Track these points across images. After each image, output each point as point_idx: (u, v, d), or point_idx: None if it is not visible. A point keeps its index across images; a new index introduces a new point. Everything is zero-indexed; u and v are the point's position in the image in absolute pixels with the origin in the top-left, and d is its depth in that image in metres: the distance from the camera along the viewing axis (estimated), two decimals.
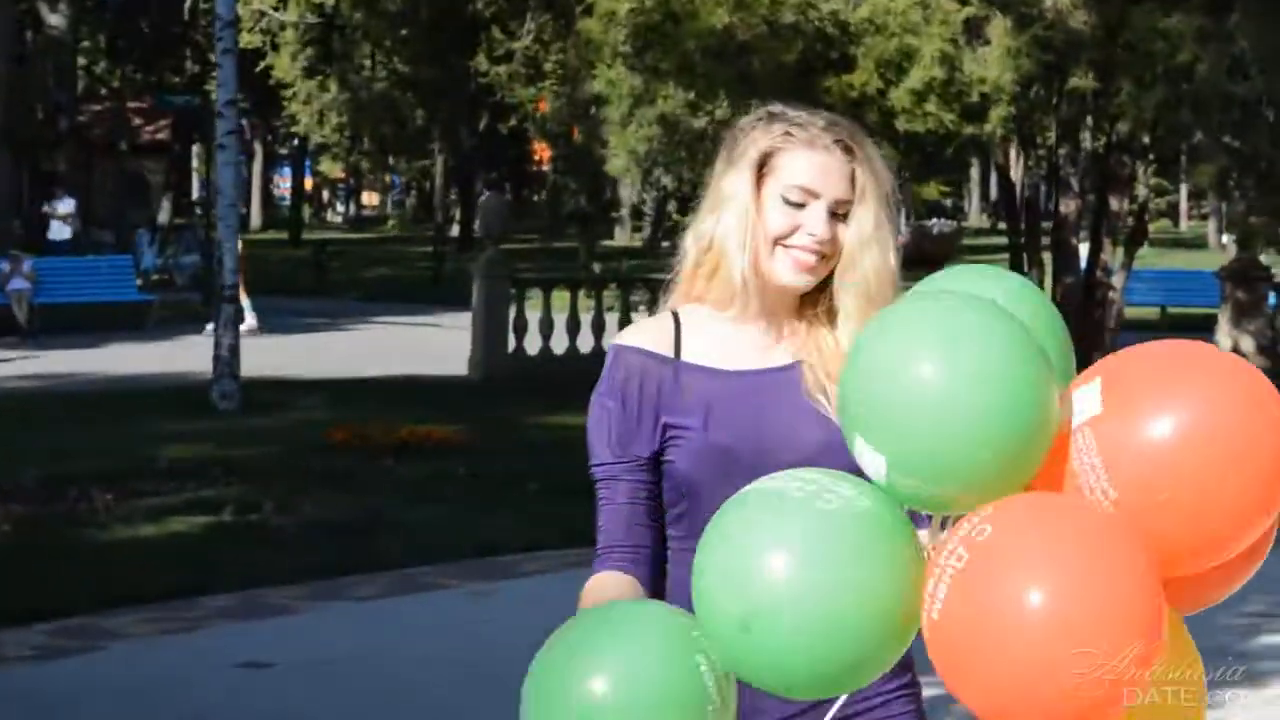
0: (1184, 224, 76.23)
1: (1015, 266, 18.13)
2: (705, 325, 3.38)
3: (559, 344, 23.12)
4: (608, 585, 3.27)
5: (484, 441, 17.38)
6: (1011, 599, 2.43)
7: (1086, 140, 17.25)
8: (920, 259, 39.04)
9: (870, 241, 3.31)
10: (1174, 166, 17.97)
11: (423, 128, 44.30)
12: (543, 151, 52.66)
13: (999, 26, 14.98)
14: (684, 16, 14.78)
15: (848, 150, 3.31)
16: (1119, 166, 16.90)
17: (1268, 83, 14.26)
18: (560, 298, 24.14)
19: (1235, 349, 23.90)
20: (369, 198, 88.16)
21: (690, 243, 3.43)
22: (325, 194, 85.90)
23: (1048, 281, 17.45)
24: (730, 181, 3.35)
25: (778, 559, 2.62)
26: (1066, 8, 14.85)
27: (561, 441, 17.87)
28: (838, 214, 3.30)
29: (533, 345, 23.02)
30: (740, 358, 3.38)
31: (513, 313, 22.82)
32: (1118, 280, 17.21)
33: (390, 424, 17.28)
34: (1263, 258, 23.97)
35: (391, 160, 59.89)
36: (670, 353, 3.36)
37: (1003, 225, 19.65)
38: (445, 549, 12.45)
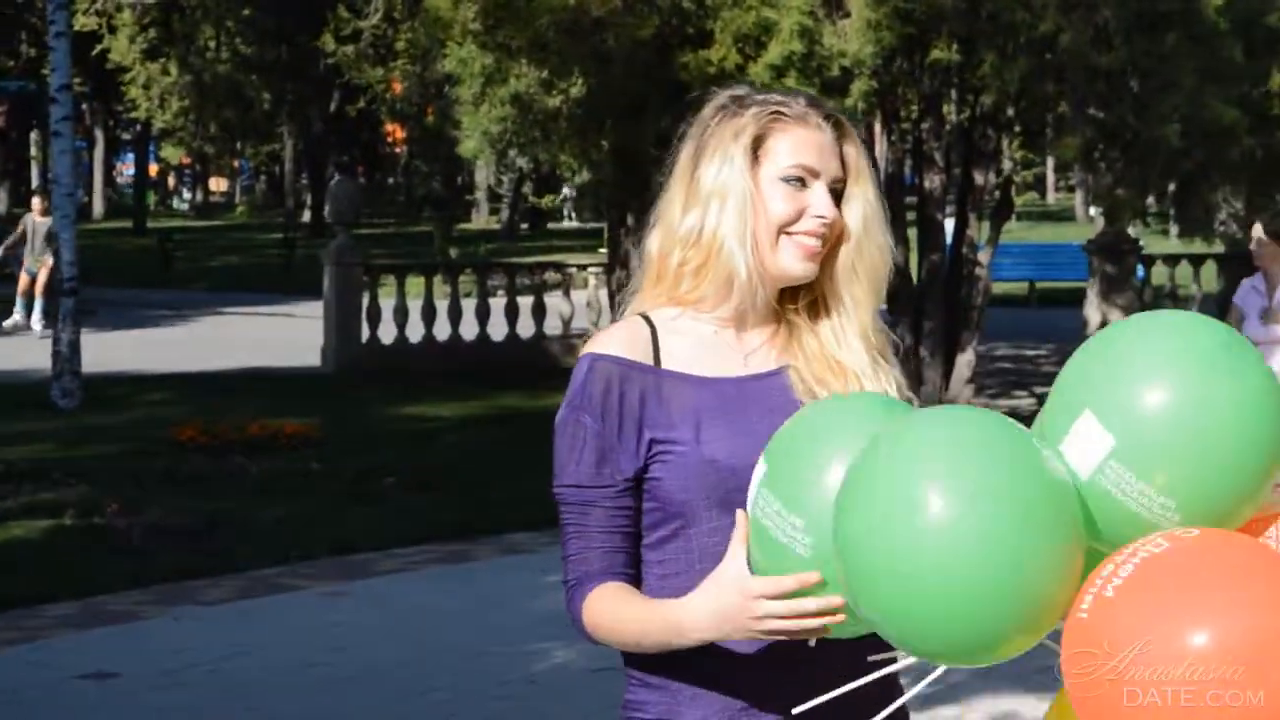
0: (1051, 197, 76.97)
1: None
2: (681, 329, 3.22)
3: (415, 332, 22.95)
4: (623, 594, 3.12)
5: (338, 435, 17.22)
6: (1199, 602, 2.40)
7: (951, 114, 17.28)
8: None
9: (874, 221, 3.21)
10: (1040, 139, 18.00)
11: (270, 111, 43.93)
12: (396, 133, 52.40)
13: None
14: None
15: (837, 125, 3.22)
16: (983, 140, 16.93)
17: (1131, 53, 14.30)
18: (415, 284, 23.96)
19: (1104, 323, 24.12)
20: (216, 184, 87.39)
21: (659, 245, 3.24)
22: (170, 180, 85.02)
23: (913, 258, 17.46)
24: (714, 172, 3.15)
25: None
26: None
27: (418, 434, 17.76)
28: (832, 193, 3.17)
29: (387, 334, 22.84)
30: (724, 363, 3.21)
31: (366, 301, 22.64)
32: (984, 256, 17.25)
33: (240, 419, 17.11)
34: (1131, 230, 24.19)
35: (239, 145, 59.30)
36: (650, 360, 3.17)
37: None
38: (298, 548, 12.29)
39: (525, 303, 23.87)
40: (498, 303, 23.93)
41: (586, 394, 3.14)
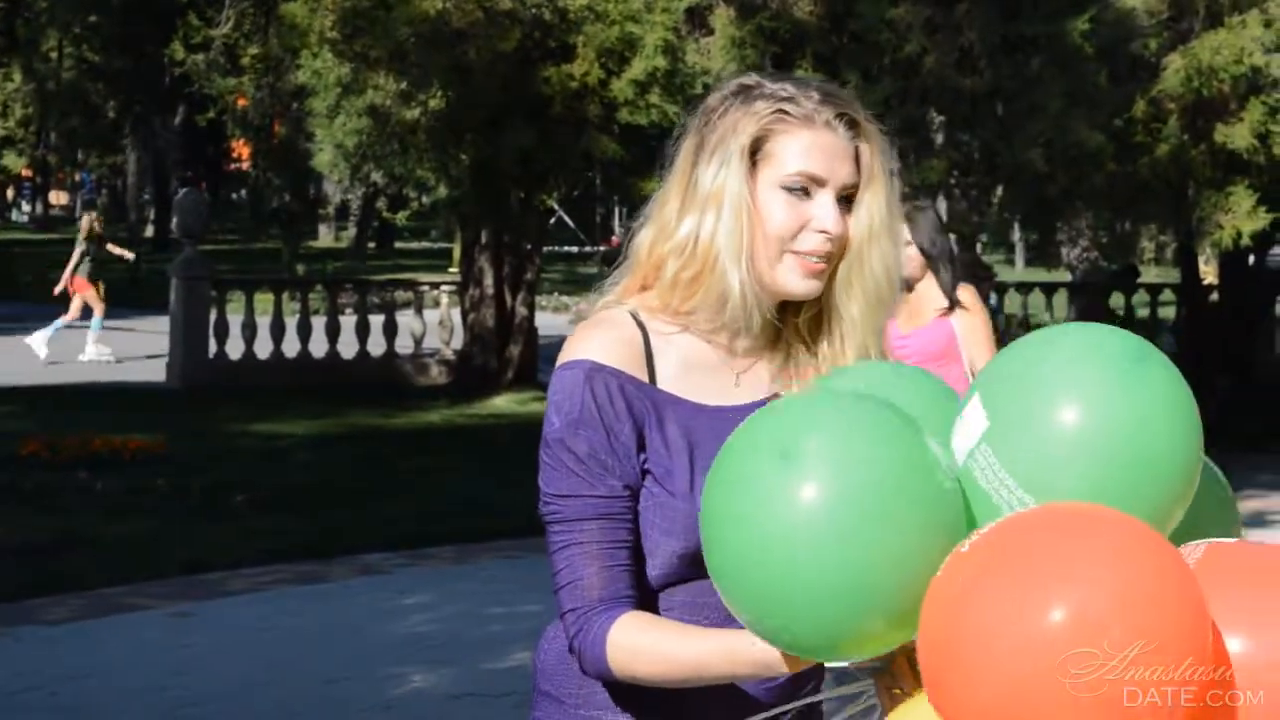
0: None
1: None
2: (675, 341, 2.93)
3: (263, 349, 22.63)
4: (658, 625, 2.80)
5: (184, 452, 16.89)
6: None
7: None
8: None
9: (880, 233, 2.87)
10: (904, 161, 17.94)
11: (115, 121, 43.25)
12: (241, 149, 51.83)
13: (723, 16, 14.82)
14: (396, 1, 14.40)
15: (852, 124, 2.86)
16: None
17: (997, 76, 14.29)
18: (263, 300, 23.66)
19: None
20: (57, 197, 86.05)
21: (650, 246, 2.94)
22: (10, 192, 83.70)
23: None
24: (711, 175, 2.84)
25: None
26: None
27: (268, 451, 17.45)
28: (841, 200, 2.85)
29: (235, 350, 22.49)
30: (716, 385, 2.94)
31: (214, 316, 22.27)
32: None
33: (84, 435, 16.75)
34: (989, 257, 24.28)
35: (81, 156, 58.39)
36: (644, 374, 2.88)
37: None
38: (144, 567, 11.97)
39: (376, 320, 23.59)
40: (348, 320, 23.66)
41: (584, 405, 2.82)
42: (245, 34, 19.19)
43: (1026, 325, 25.33)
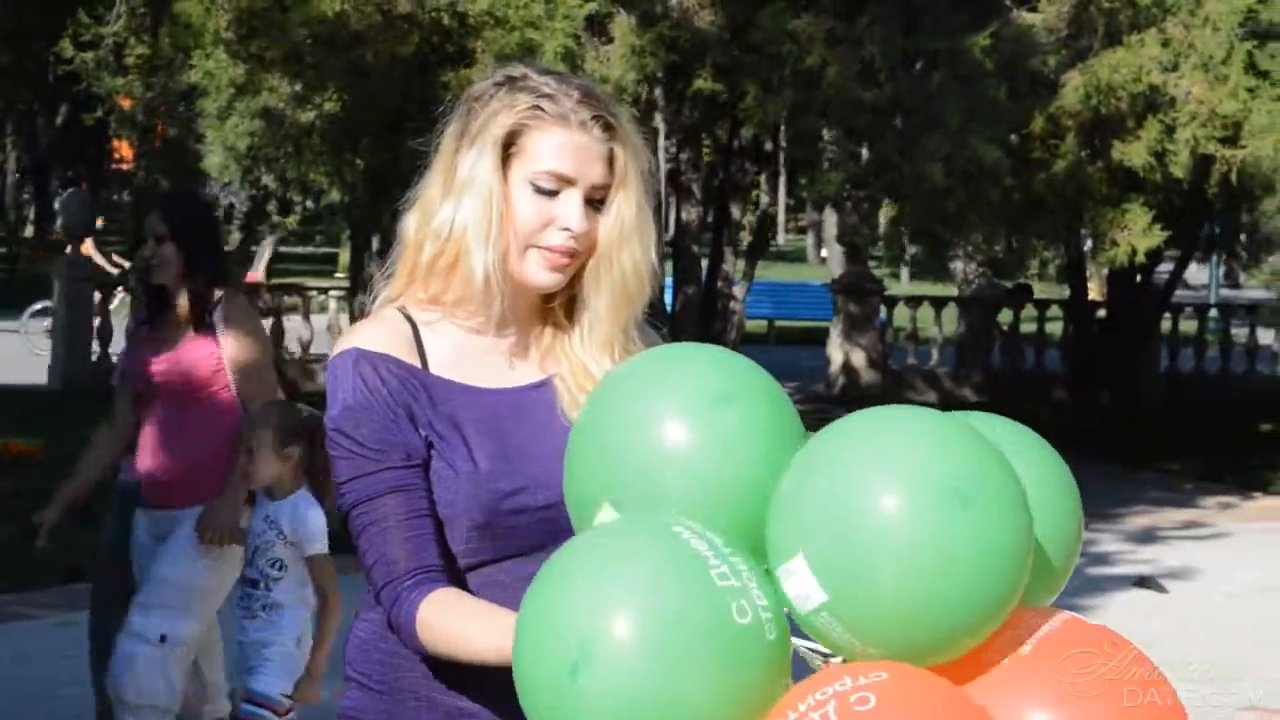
0: (781, 238, 77.69)
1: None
2: (441, 329, 2.98)
3: None
4: (460, 604, 2.78)
5: (66, 456, 16.53)
6: None
7: (709, 146, 17.15)
8: None
9: (630, 234, 2.97)
10: (808, 173, 17.86)
11: None
12: (124, 149, 51.20)
13: (623, 24, 14.73)
14: (293, 2, 14.20)
15: (607, 127, 2.95)
16: (740, 174, 16.79)
17: (897, 89, 14.26)
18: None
19: (847, 363, 24.21)
20: None
21: (416, 229, 3.00)
22: None
23: (668, 294, 17.30)
24: (469, 164, 2.93)
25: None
26: (693, 6, 14.69)
27: None
28: (593, 201, 2.94)
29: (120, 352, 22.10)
30: (490, 372, 3.00)
31: (97, 318, 21.89)
32: (739, 291, 17.13)
33: None
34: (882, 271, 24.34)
35: None
36: (417, 362, 2.93)
37: None
38: (25, 574, 11.69)
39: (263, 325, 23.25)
40: None
41: (355, 389, 2.87)
42: (135, 32, 18.83)
43: (915, 339, 25.39)
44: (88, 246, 26.65)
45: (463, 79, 14.39)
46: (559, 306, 3.04)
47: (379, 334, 2.93)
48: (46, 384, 21.80)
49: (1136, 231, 15.20)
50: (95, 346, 21.93)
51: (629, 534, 2.36)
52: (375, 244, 21.76)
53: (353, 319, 22.88)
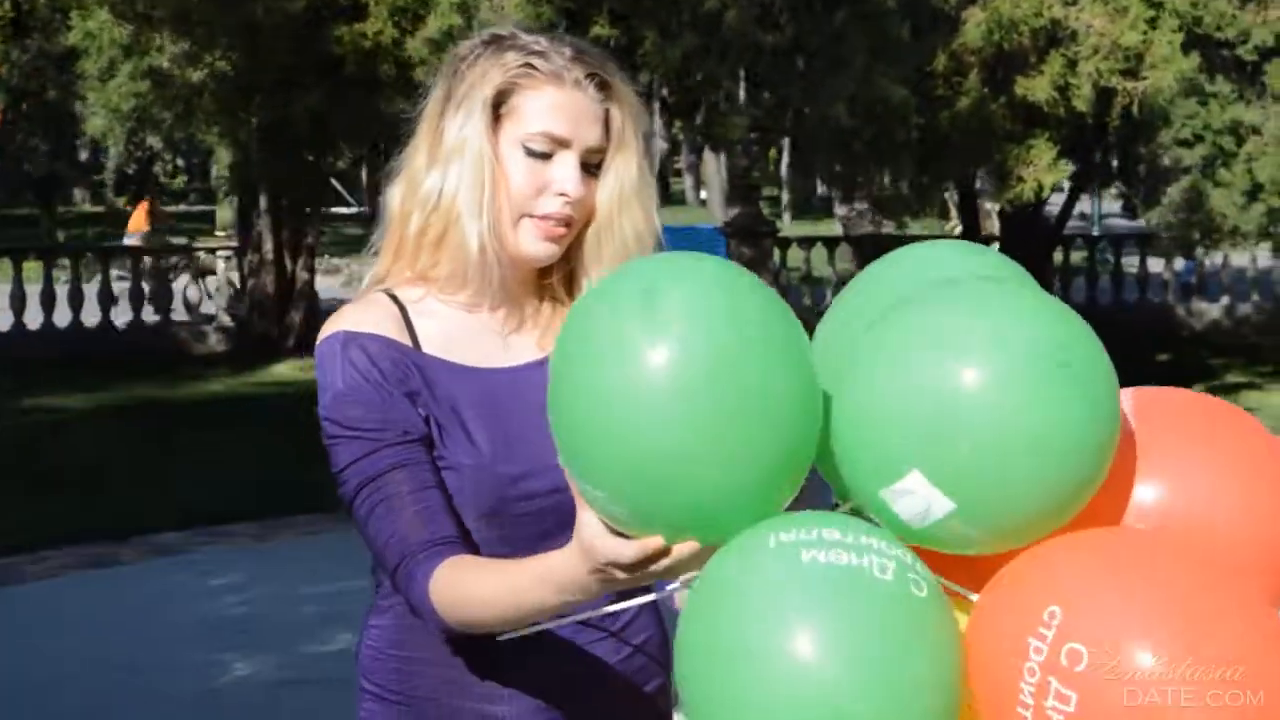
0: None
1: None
2: (430, 309, 2.78)
3: (33, 319, 21.84)
4: (475, 565, 2.58)
5: None
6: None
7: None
8: None
9: (630, 199, 2.79)
10: (708, 116, 17.58)
11: None
12: None
13: None
14: None
15: (603, 86, 2.75)
16: None
17: (800, 31, 14.09)
18: (32, 269, 22.82)
19: None
20: None
21: (401, 200, 2.79)
22: None
23: None
24: (457, 127, 2.73)
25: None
26: None
27: (43, 427, 16.75)
28: (588, 166, 2.74)
29: (3, 321, 21.69)
30: (484, 351, 2.80)
31: None
32: None
33: None
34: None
35: None
36: (408, 342, 2.73)
37: None
38: None
39: (151, 287, 22.83)
40: (122, 288, 22.86)
41: (351, 374, 2.67)
42: None
43: (809, 279, 25.33)
44: None
45: (355, 33, 14.13)
46: (557, 281, 2.86)
47: (365, 315, 2.74)
48: None
49: (1042, 167, 15.15)
50: None
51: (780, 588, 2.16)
52: (263, 202, 21.43)
53: (243, 280, 22.55)
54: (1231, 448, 2.41)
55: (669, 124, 16.95)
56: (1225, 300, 25.52)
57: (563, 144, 2.71)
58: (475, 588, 2.51)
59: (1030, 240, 22.56)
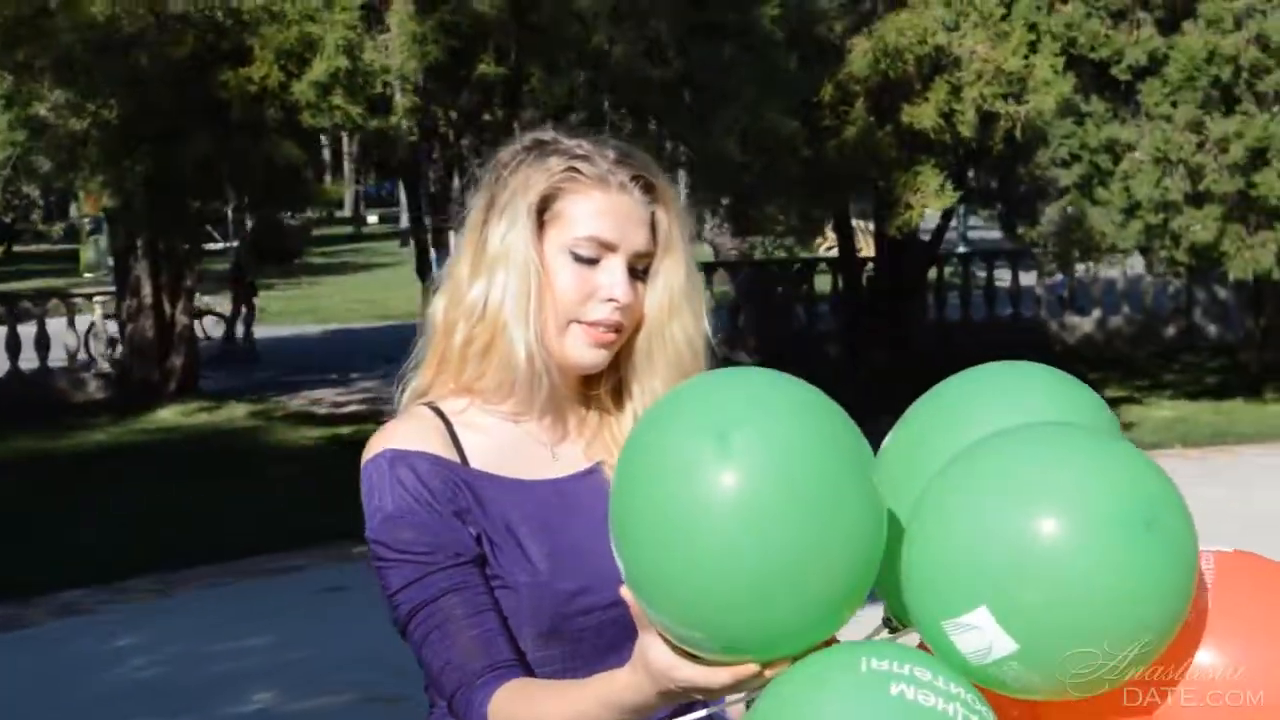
0: None
1: (421, 261, 17.70)
2: (475, 422, 2.69)
3: None
4: (534, 688, 2.49)
5: None
6: None
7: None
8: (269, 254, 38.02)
9: (681, 303, 2.70)
10: None
11: None
12: None
13: (400, 11, 14.35)
14: (59, 6, 13.61)
15: (648, 189, 2.68)
16: None
17: (688, 64, 14.07)
18: None
19: None
20: None
21: (444, 313, 2.72)
22: None
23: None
24: (500, 234, 2.64)
25: None
26: None
27: None
28: (635, 271, 2.67)
29: None
30: (532, 462, 2.71)
31: None
32: None
33: None
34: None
35: None
36: (455, 458, 2.64)
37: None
38: None
39: (27, 334, 22.39)
40: None
41: (400, 495, 2.59)
42: None
43: None
44: None
45: (241, 78, 13.96)
46: (607, 392, 2.79)
47: (412, 431, 2.65)
48: None
49: (929, 193, 15.21)
50: None
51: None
52: (140, 247, 21.14)
53: (120, 325, 22.23)
54: None
55: None
56: (1097, 314, 25.75)
57: (610, 248, 2.65)
58: (534, 713, 2.45)
59: (905, 259, 22.69)
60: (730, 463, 2.07)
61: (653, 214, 2.69)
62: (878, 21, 14.86)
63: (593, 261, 2.65)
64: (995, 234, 30.84)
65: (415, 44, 14.16)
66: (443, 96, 15.18)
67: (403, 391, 2.79)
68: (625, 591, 2.21)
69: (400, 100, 14.55)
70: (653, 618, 2.19)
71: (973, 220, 36.82)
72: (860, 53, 14.67)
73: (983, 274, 26.65)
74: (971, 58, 14.89)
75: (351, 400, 22.18)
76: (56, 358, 22.74)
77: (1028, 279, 26.51)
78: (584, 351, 2.68)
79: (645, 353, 2.73)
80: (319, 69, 13.94)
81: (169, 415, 20.88)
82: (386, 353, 26.69)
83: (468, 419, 2.70)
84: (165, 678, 9.89)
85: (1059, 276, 24.83)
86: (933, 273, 25.42)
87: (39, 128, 15.45)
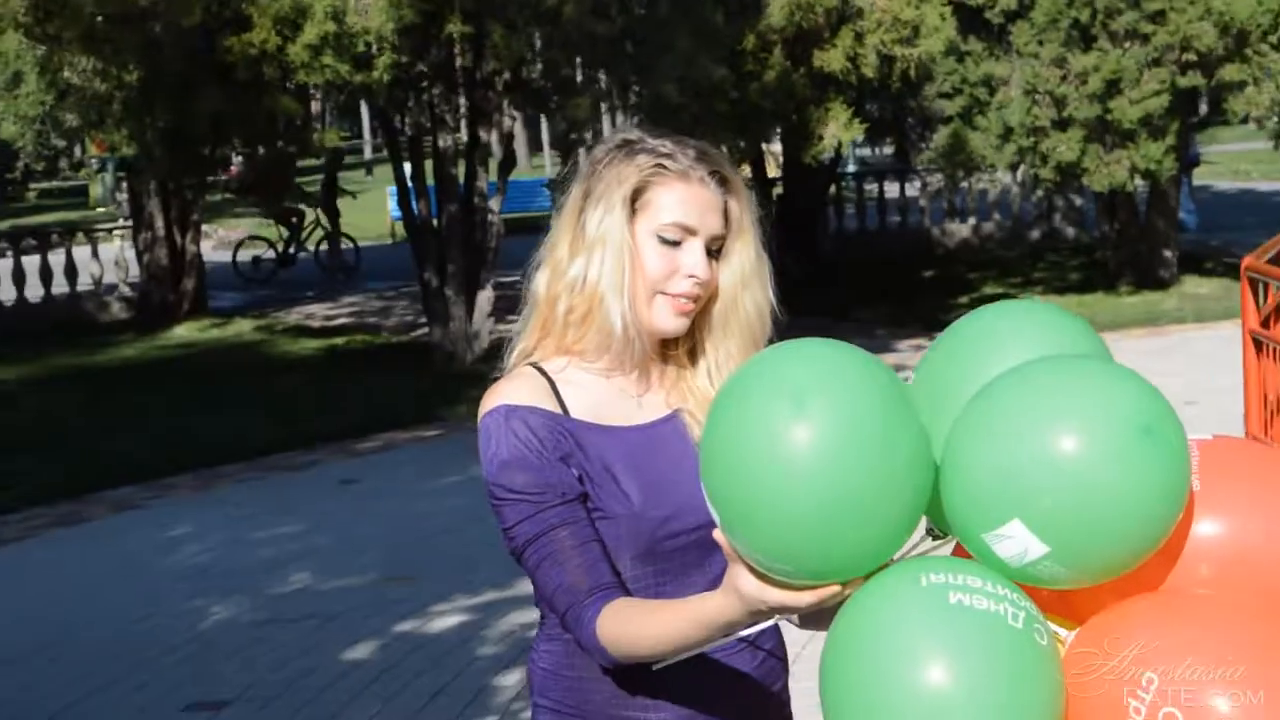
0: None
1: (402, 195, 17.58)
2: (573, 378, 2.78)
3: None
4: (634, 606, 2.60)
5: None
6: None
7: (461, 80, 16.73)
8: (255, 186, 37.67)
9: (751, 278, 2.80)
10: (550, 99, 17.29)
11: None
12: None
13: None
14: None
15: (722, 181, 2.77)
16: (485, 103, 16.40)
17: (629, 21, 14.04)
18: None
19: None
20: None
21: (545, 287, 2.80)
22: None
23: (434, 209, 16.95)
24: (598, 220, 2.73)
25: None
26: None
27: None
28: (712, 250, 2.76)
29: None
30: (622, 411, 2.79)
31: None
32: (494, 203, 16.82)
33: None
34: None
35: None
36: (558, 409, 2.73)
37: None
38: None
39: (57, 264, 22.21)
40: (30, 264, 22.15)
41: (514, 444, 2.68)
42: None
43: None
44: None
45: (244, 43, 13.85)
46: (684, 353, 2.87)
47: (521, 390, 2.73)
48: None
49: (839, 126, 15.25)
50: None
51: (935, 622, 2.20)
52: (153, 186, 20.99)
53: (138, 254, 22.08)
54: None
55: (513, 104, 16.79)
56: (972, 221, 25.87)
57: (691, 232, 2.73)
58: (635, 629, 2.54)
59: (809, 179, 22.74)
60: (802, 422, 2.17)
61: (726, 203, 2.77)
62: None
63: (676, 243, 2.73)
64: (867, 151, 30.77)
65: (392, 8, 14.07)
66: (415, 53, 15.04)
67: (510, 354, 2.85)
68: (718, 534, 2.30)
69: (380, 59, 14.44)
70: (744, 554, 2.27)
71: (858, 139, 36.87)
72: (778, 6, 14.61)
73: (874, 189, 26.68)
74: (872, 8, 14.89)
75: (340, 314, 22.14)
76: (83, 283, 22.62)
77: (912, 190, 26.64)
78: (668, 319, 2.75)
79: (721, 319, 2.81)
80: (310, 33, 13.85)
81: (184, 332, 20.78)
82: (365, 270, 26.67)
83: (567, 376, 2.77)
84: (216, 562, 9.87)
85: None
86: (832, 190, 25.48)
87: (65, 90, 15.29)
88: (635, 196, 2.73)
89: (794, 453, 2.16)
